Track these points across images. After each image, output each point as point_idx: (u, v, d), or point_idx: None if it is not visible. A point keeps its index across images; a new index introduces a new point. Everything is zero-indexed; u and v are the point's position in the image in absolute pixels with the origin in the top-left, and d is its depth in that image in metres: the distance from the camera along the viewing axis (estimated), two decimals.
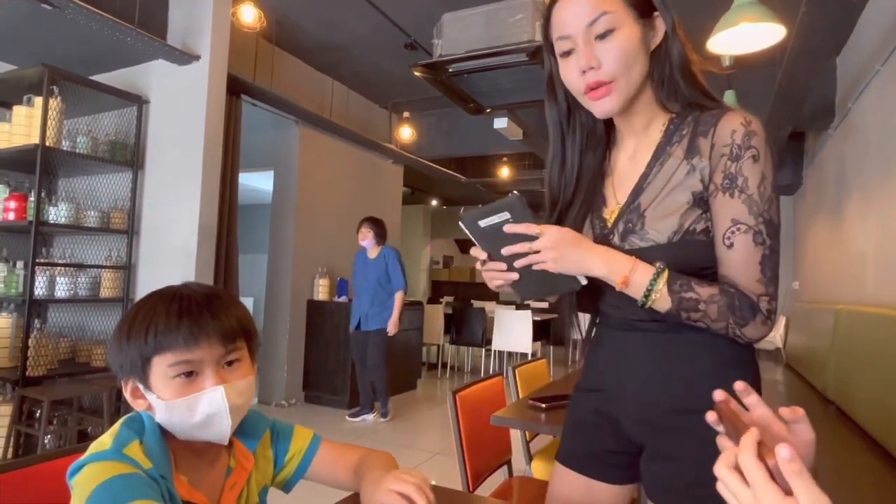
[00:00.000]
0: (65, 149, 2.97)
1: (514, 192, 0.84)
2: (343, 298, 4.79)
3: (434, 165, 6.32)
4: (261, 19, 3.50)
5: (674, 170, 0.86)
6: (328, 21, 4.06)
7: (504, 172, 7.15)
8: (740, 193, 0.80)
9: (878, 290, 3.11)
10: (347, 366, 4.50)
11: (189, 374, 0.72)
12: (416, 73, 2.81)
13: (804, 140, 5.80)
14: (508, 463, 1.90)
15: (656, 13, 0.86)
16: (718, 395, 0.59)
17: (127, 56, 3.28)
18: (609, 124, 0.97)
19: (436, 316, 6.40)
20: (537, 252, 0.82)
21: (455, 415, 1.62)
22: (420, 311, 5.56)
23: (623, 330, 0.94)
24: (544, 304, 6.87)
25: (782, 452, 0.42)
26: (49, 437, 2.84)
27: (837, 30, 2.95)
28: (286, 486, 0.91)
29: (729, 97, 3.49)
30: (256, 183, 5.93)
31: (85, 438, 3.12)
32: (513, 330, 5.89)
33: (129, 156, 3.26)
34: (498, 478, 1.86)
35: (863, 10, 3.34)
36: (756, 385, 0.91)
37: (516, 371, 2.16)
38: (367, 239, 4.16)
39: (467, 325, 6.30)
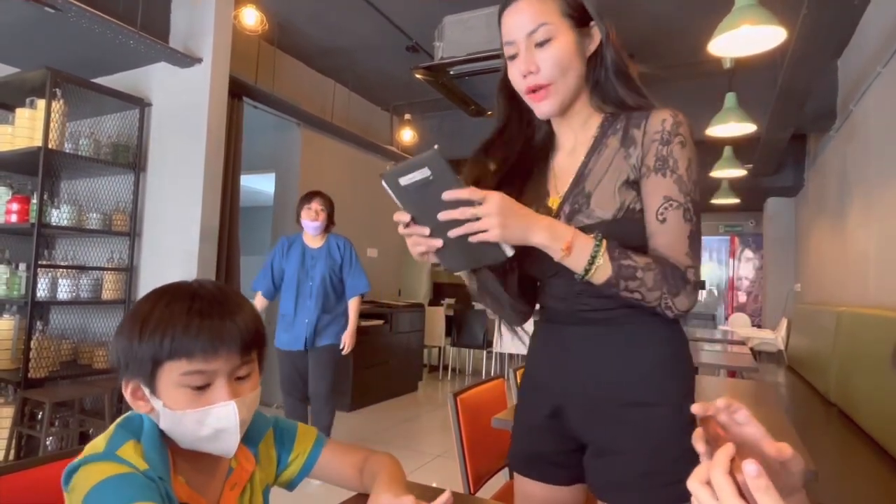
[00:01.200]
0: (67, 151, 2.98)
1: (436, 145, 0.79)
2: None
3: None
4: (262, 22, 3.51)
5: (612, 157, 0.93)
6: (329, 24, 4.07)
7: None
8: (671, 173, 0.87)
9: (880, 292, 3.11)
10: (349, 367, 4.49)
11: (201, 385, 0.69)
12: (418, 76, 2.82)
13: (806, 142, 5.80)
14: (509, 465, 1.90)
15: (593, 23, 0.93)
16: (697, 408, 0.57)
17: (129, 59, 3.29)
18: (552, 131, 1.03)
19: (437, 318, 6.40)
20: (478, 219, 0.78)
21: (456, 417, 1.62)
22: (421, 313, 5.56)
23: (566, 325, 0.97)
24: None
25: (749, 468, 0.42)
26: (51, 439, 2.84)
27: (838, 32, 2.95)
28: (290, 486, 0.91)
29: (730, 99, 3.49)
30: (258, 185, 5.95)
31: (86, 440, 3.10)
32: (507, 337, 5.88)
33: (131, 158, 3.27)
34: (499, 480, 1.86)
35: (864, 13, 3.34)
36: (690, 376, 0.96)
37: (517, 373, 2.15)
38: (318, 221, 3.10)
39: (468, 327, 6.30)
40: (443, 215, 0.79)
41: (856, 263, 3.67)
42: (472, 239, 0.80)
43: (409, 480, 0.90)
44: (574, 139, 0.99)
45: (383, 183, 0.80)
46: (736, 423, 0.54)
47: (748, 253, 9.11)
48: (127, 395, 0.72)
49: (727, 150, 4.62)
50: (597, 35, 0.93)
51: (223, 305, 0.71)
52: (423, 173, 0.78)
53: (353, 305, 3.08)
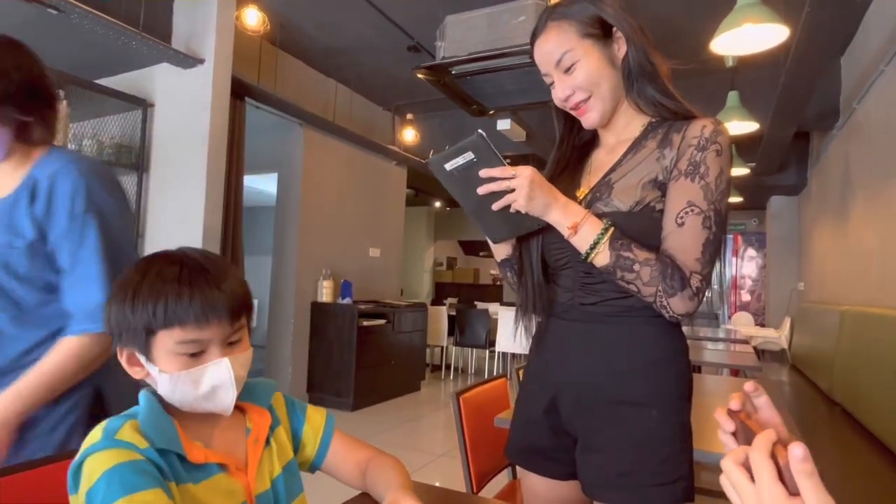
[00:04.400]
0: None
1: (479, 131, 0.86)
2: (347, 300, 4.80)
3: None
4: (264, 23, 3.52)
5: (645, 156, 0.95)
6: (331, 24, 4.07)
7: None
8: (700, 180, 0.88)
9: (884, 291, 3.10)
10: (351, 367, 4.50)
11: (196, 352, 0.71)
12: (420, 76, 2.82)
13: (809, 140, 5.78)
14: (512, 465, 1.90)
15: (616, 29, 0.95)
16: (735, 404, 0.56)
17: (131, 60, 3.30)
18: (597, 132, 1.09)
19: (439, 317, 6.40)
20: (512, 191, 0.88)
21: (458, 417, 1.62)
22: (424, 312, 5.57)
23: (568, 320, 0.99)
24: None
25: (796, 451, 0.42)
26: None
27: (842, 30, 2.94)
28: (311, 468, 0.90)
29: (732, 98, 3.48)
30: (261, 185, 5.95)
31: None
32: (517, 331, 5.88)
33: (133, 159, 3.28)
34: (502, 479, 1.86)
35: (867, 11, 3.33)
36: (685, 380, 0.95)
37: (520, 372, 2.15)
38: None
39: (471, 327, 6.30)
40: (482, 189, 0.88)
41: (859, 262, 3.66)
42: (496, 206, 0.89)
43: (412, 480, 0.90)
44: (616, 139, 1.03)
45: (430, 168, 0.89)
46: (757, 408, 0.54)
47: (751, 251, 9.08)
48: (123, 361, 0.74)
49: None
50: (623, 39, 0.95)
51: (210, 273, 0.72)
52: (467, 157, 0.86)
53: (65, 352, 1.00)
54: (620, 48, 0.95)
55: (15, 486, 0.80)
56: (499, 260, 1.09)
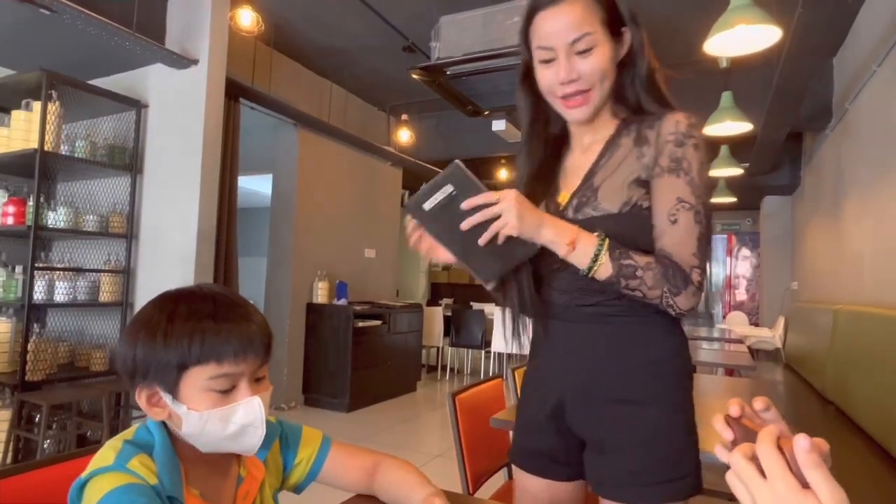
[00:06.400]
0: (63, 153, 2.97)
1: (456, 161, 0.83)
2: (342, 301, 4.79)
3: (433, 168, 6.33)
4: (258, 23, 3.51)
5: (624, 156, 0.94)
6: (326, 25, 4.07)
7: (503, 174, 7.16)
8: (685, 175, 0.88)
9: (877, 290, 3.12)
10: (347, 368, 4.50)
11: (227, 388, 0.70)
12: (415, 76, 2.82)
13: (802, 140, 5.81)
14: (508, 465, 1.90)
15: (624, 28, 0.94)
16: (734, 410, 0.55)
17: (125, 60, 3.28)
18: (567, 130, 1.05)
19: (435, 318, 6.39)
20: (498, 217, 0.84)
21: (454, 417, 1.62)
22: (419, 313, 5.56)
23: (566, 321, 0.98)
24: None
25: (801, 443, 0.41)
26: (48, 441, 2.83)
27: (834, 31, 2.96)
28: (297, 489, 0.91)
29: (726, 98, 3.50)
30: (255, 186, 5.94)
31: (84, 443, 3.12)
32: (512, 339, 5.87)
33: (127, 160, 3.27)
34: (498, 480, 1.86)
35: (859, 12, 3.35)
36: (685, 378, 0.95)
37: (516, 373, 2.16)
38: None
39: (466, 327, 6.30)
40: (466, 223, 0.83)
41: (852, 261, 3.68)
42: (484, 238, 0.84)
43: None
44: (590, 139, 1.01)
45: (407, 214, 0.84)
46: (759, 417, 0.53)
47: (745, 251, 9.13)
48: (141, 401, 0.72)
49: (724, 150, 4.63)
50: (627, 40, 0.94)
51: (242, 308, 0.73)
52: (446, 191, 0.81)
53: None
54: (623, 49, 0.94)
55: (15, 486, 0.79)
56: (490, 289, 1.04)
